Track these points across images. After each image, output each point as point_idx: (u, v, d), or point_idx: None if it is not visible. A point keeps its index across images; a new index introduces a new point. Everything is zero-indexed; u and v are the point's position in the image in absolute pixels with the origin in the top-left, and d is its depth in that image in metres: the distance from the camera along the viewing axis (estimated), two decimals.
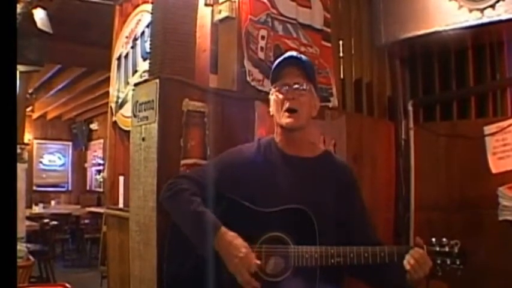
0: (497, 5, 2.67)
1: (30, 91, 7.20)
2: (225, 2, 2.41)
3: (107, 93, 3.56)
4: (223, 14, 2.43)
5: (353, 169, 1.81)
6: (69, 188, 11.26)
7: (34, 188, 10.18)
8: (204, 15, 2.44)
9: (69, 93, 8.11)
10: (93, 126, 10.89)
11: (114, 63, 3.37)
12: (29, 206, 7.70)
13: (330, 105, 2.83)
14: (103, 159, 9.79)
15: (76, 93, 8.04)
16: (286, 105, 1.63)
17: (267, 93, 1.78)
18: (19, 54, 3.81)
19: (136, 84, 2.25)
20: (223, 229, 1.51)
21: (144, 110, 2.09)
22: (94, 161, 10.85)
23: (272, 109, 1.70)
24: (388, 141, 3.38)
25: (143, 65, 2.93)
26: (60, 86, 7.63)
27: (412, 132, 3.37)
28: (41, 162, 10.82)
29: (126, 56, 3.22)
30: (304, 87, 1.64)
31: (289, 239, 1.52)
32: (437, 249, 1.50)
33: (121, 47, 3.29)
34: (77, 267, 7.10)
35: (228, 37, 2.47)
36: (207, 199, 1.62)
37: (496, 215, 2.89)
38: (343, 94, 3.14)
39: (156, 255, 1.91)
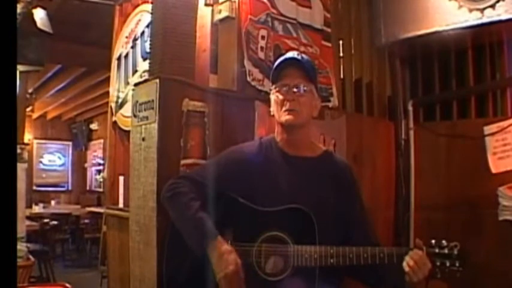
0: (497, 5, 2.67)
1: (30, 91, 7.19)
2: (225, 2, 2.41)
3: (107, 93, 3.56)
4: (223, 14, 2.43)
5: (353, 169, 1.81)
6: (69, 188, 11.26)
7: (34, 187, 10.18)
8: (204, 15, 2.44)
9: (69, 93, 8.11)
10: (93, 126, 10.89)
11: (114, 63, 3.37)
12: (29, 206, 7.70)
13: (330, 105, 2.83)
14: (103, 159, 9.79)
15: (76, 93, 8.04)
16: (287, 105, 1.63)
17: (267, 93, 1.79)
18: (19, 54, 3.81)
19: (136, 84, 2.25)
20: (219, 239, 1.49)
21: (144, 110, 2.09)
22: (94, 161, 10.85)
23: (272, 109, 1.70)
24: (388, 141, 3.39)
25: (143, 65, 2.93)
26: (60, 86, 7.63)
27: (412, 132, 3.37)
28: (41, 162, 10.82)
29: (126, 56, 3.22)
30: (305, 88, 1.64)
31: (289, 239, 1.52)
32: (437, 251, 1.50)
33: (121, 47, 3.29)
34: (77, 267, 7.09)
35: (228, 37, 2.47)
36: (207, 199, 1.62)
37: (496, 215, 2.89)
38: (343, 94, 3.14)
39: (156, 255, 1.91)
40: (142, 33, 3.03)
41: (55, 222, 6.71)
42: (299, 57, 1.68)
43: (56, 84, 7.56)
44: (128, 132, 2.58)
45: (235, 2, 2.42)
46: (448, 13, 2.86)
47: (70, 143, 11.31)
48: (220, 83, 2.47)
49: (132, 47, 3.15)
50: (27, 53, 4.09)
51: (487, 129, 3.01)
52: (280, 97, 1.65)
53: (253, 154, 1.71)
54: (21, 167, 4.12)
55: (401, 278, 1.49)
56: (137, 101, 2.15)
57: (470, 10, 2.78)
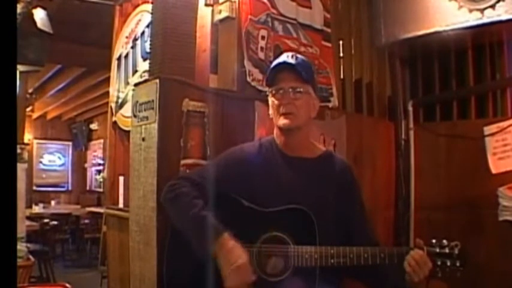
0: (497, 5, 2.67)
1: (30, 91, 7.19)
2: (225, 2, 2.41)
3: (107, 93, 3.56)
4: (223, 14, 2.43)
5: (353, 169, 1.81)
6: (69, 188, 11.25)
7: (34, 188, 10.17)
8: (204, 15, 2.44)
9: (69, 93, 8.10)
10: (93, 126, 10.89)
11: (114, 63, 3.37)
12: (29, 206, 7.69)
13: (330, 105, 2.83)
14: (103, 159, 9.79)
15: (76, 93, 8.04)
16: (282, 110, 1.63)
17: (267, 94, 1.78)
18: (19, 54, 3.81)
19: (136, 84, 2.25)
20: (226, 235, 1.49)
21: (144, 110, 2.09)
22: (94, 161, 10.84)
23: (270, 112, 1.71)
24: (388, 141, 3.39)
25: (143, 65, 2.93)
26: (60, 86, 7.63)
27: (412, 133, 3.37)
28: (41, 162, 10.82)
29: (126, 56, 3.22)
30: (300, 90, 1.63)
31: (290, 239, 1.52)
32: (438, 250, 1.50)
33: (121, 47, 3.29)
34: (77, 267, 7.09)
35: (228, 37, 2.47)
36: (208, 199, 1.62)
37: (496, 215, 2.89)
38: (343, 94, 3.14)
39: (156, 255, 1.91)
40: (143, 33, 3.03)
41: (55, 223, 6.71)
42: (292, 60, 1.66)
43: (56, 84, 7.56)
44: (128, 132, 2.58)
45: (235, 2, 2.42)
46: (448, 13, 2.86)
47: (70, 143, 11.31)
48: (220, 83, 2.47)
49: (132, 47, 3.15)
50: (27, 53, 4.09)
51: (487, 130, 3.01)
52: (276, 102, 1.65)
53: (254, 155, 1.71)
54: (21, 167, 4.11)
55: (402, 277, 1.50)
56: (137, 101, 2.15)
57: (470, 10, 2.78)
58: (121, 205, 3.10)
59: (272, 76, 1.67)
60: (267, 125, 2.28)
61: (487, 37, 3.09)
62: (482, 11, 2.73)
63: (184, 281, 1.66)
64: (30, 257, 3.61)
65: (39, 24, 3.93)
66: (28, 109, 8.20)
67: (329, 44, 2.91)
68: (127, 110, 3.01)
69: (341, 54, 3.25)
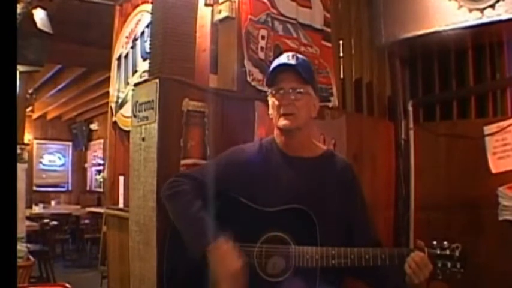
0: (497, 4, 2.67)
1: (30, 91, 7.18)
2: (225, 2, 2.41)
3: (107, 93, 3.56)
4: (223, 14, 2.42)
5: (354, 168, 1.80)
6: (69, 188, 11.25)
7: (34, 188, 10.17)
8: (204, 15, 2.44)
9: (69, 93, 8.10)
10: (93, 126, 10.89)
11: (114, 63, 3.37)
12: (29, 206, 7.70)
13: (330, 105, 2.83)
14: (103, 159, 9.79)
15: (76, 93, 8.04)
16: (282, 110, 1.63)
17: (267, 94, 1.78)
18: (19, 55, 3.81)
19: (136, 84, 2.25)
20: (222, 239, 1.48)
21: (144, 110, 2.09)
22: (94, 161, 10.84)
23: (270, 112, 1.71)
24: (388, 141, 3.39)
25: (143, 65, 2.93)
26: (60, 86, 7.63)
27: (412, 132, 3.37)
28: (41, 162, 10.82)
29: (126, 56, 3.22)
30: (300, 91, 1.63)
31: (290, 239, 1.52)
32: (438, 252, 1.50)
33: (121, 47, 3.29)
34: (77, 267, 7.10)
35: (228, 37, 2.47)
36: (208, 198, 1.62)
37: (496, 214, 2.89)
38: (343, 94, 3.14)
39: (156, 255, 1.91)
40: (143, 33, 3.03)
41: (55, 223, 6.71)
42: (292, 60, 1.65)
43: (56, 84, 7.56)
44: (128, 132, 2.58)
45: (235, 2, 2.42)
46: (448, 13, 2.86)
47: (70, 143, 11.31)
48: (220, 83, 2.47)
49: (132, 47, 3.15)
50: (27, 54, 4.09)
51: (487, 129, 3.01)
52: (276, 102, 1.65)
53: (254, 155, 1.71)
54: (21, 167, 4.12)
55: (403, 278, 1.49)
56: (137, 101, 2.15)
57: (470, 10, 2.78)
58: (121, 205, 3.10)
59: (273, 76, 1.66)
60: (267, 125, 2.28)
61: (487, 37, 3.09)
62: (482, 10, 2.73)
63: (184, 280, 1.66)
64: (30, 257, 3.61)
65: (39, 24, 3.94)
66: (28, 109, 8.19)
67: (329, 44, 2.90)
68: (127, 110, 3.01)
69: (341, 54, 3.25)
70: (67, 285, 2.42)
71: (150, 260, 1.96)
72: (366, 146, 3.10)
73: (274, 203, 1.56)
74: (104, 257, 4.18)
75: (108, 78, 3.52)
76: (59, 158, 11.19)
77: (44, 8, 3.98)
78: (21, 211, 4.26)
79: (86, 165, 11.26)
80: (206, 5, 2.45)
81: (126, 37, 3.23)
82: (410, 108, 3.40)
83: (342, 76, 3.20)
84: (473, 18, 2.77)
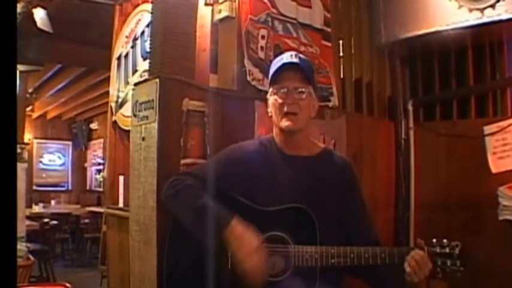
0: (497, 4, 2.67)
1: (30, 91, 7.20)
2: (225, 1, 2.41)
3: (107, 92, 3.56)
4: (223, 14, 2.43)
5: (353, 166, 1.80)
6: (69, 188, 11.25)
7: (34, 187, 10.17)
8: (204, 15, 2.44)
9: (69, 92, 8.10)
10: (93, 125, 10.88)
11: (114, 62, 3.37)
12: (29, 206, 7.69)
13: (330, 104, 2.83)
14: (103, 158, 9.78)
15: (76, 92, 8.04)
16: (286, 109, 1.62)
17: (267, 93, 1.78)
18: (19, 54, 3.81)
19: (136, 84, 2.25)
20: (235, 220, 1.49)
21: (144, 109, 2.09)
22: (94, 161, 10.84)
23: (271, 111, 1.70)
24: (388, 141, 3.39)
25: (143, 65, 2.93)
26: (60, 86, 7.62)
27: (412, 132, 3.37)
28: (41, 161, 10.81)
29: (126, 55, 3.22)
30: (303, 90, 1.63)
31: (290, 239, 1.52)
32: (438, 250, 1.50)
33: (121, 47, 3.29)
34: (77, 266, 7.09)
35: (228, 37, 2.47)
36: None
37: (496, 214, 2.89)
38: (343, 94, 3.14)
39: (156, 255, 1.91)
40: (143, 32, 3.03)
41: (55, 222, 6.69)
42: (295, 60, 1.65)
43: (56, 83, 7.55)
44: (128, 131, 2.58)
45: (235, 1, 2.42)
46: (448, 13, 2.86)
47: (70, 142, 11.30)
48: (221, 82, 2.47)
49: (132, 47, 3.15)
50: (27, 53, 4.09)
51: (487, 129, 3.01)
52: (279, 100, 1.63)
53: (253, 153, 1.71)
54: (21, 167, 4.11)
55: (402, 277, 1.50)
56: (137, 101, 2.15)
57: (470, 10, 2.78)
58: (121, 205, 3.10)
59: (276, 75, 1.65)
60: (266, 124, 2.28)
61: (487, 37, 3.09)
62: (482, 10, 2.73)
63: (184, 280, 1.66)
64: (30, 256, 3.61)
65: (39, 23, 3.94)
66: (28, 109, 8.20)
67: (329, 44, 2.90)
68: (127, 109, 3.02)
69: (341, 54, 3.25)
70: (67, 284, 2.42)
71: (150, 260, 1.97)
72: (366, 146, 3.10)
73: (273, 202, 1.56)
74: (104, 256, 4.19)
75: (108, 77, 3.52)
76: (59, 157, 11.18)
77: (44, 8, 3.98)
78: (21, 210, 4.26)
79: (86, 164, 11.25)
80: (206, 4, 2.45)
81: (126, 37, 3.24)
82: (410, 108, 3.40)
83: (342, 76, 3.20)
84: (473, 18, 2.77)
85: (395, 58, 3.49)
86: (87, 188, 11.10)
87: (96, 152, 10.79)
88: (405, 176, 3.34)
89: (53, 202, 9.27)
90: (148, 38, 2.40)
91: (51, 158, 11.03)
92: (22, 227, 4.20)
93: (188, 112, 2.10)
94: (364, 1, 3.38)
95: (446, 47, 3.26)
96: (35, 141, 10.63)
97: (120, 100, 3.23)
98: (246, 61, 2.41)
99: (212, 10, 2.49)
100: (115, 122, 3.27)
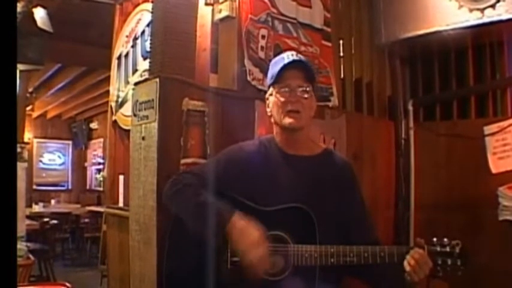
0: (498, 4, 2.67)
1: (30, 90, 7.19)
2: (225, 1, 2.42)
3: (107, 92, 3.56)
4: (224, 14, 2.43)
5: (353, 166, 1.80)
6: (69, 187, 11.25)
7: (34, 187, 10.17)
8: (204, 15, 2.44)
9: (69, 92, 8.10)
10: (93, 125, 10.88)
11: (115, 62, 3.37)
12: (29, 205, 7.69)
13: (330, 104, 2.83)
14: (103, 158, 9.78)
15: (76, 92, 8.03)
16: (289, 107, 1.62)
17: (268, 92, 1.78)
18: (19, 53, 3.81)
19: (136, 84, 2.25)
20: (237, 214, 1.51)
21: (144, 109, 2.09)
22: (94, 160, 10.84)
23: (271, 110, 1.69)
24: (388, 141, 3.39)
25: (143, 64, 2.93)
26: (60, 85, 7.63)
27: (412, 132, 3.37)
28: (41, 161, 10.82)
29: (127, 55, 3.22)
30: (306, 89, 1.63)
31: (289, 238, 1.52)
32: (438, 249, 1.50)
33: (121, 46, 3.29)
34: (77, 266, 7.09)
35: (228, 36, 2.47)
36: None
37: (496, 215, 2.89)
38: (343, 93, 3.14)
39: (156, 254, 1.92)
40: (143, 32, 3.03)
41: (55, 222, 6.70)
42: (300, 59, 1.65)
43: (56, 83, 7.56)
44: (128, 131, 2.58)
45: (235, 1, 2.42)
46: (448, 13, 2.86)
47: (70, 142, 11.31)
48: (221, 82, 2.47)
49: (133, 46, 3.15)
50: (28, 52, 4.10)
51: (487, 129, 3.01)
52: (282, 99, 1.63)
53: (253, 153, 1.71)
54: (21, 166, 4.12)
55: (402, 277, 1.49)
56: (137, 100, 2.15)
57: (471, 10, 2.78)
58: (121, 204, 3.10)
59: (279, 73, 1.65)
60: (267, 124, 2.28)
61: (487, 37, 3.09)
62: (482, 10, 2.73)
63: (184, 279, 1.66)
64: (30, 256, 3.61)
65: (39, 23, 3.94)
66: (28, 108, 8.20)
67: (329, 44, 2.91)
68: (127, 109, 3.01)
69: (341, 54, 3.25)
70: (67, 284, 2.41)
71: (150, 259, 1.97)
72: (366, 146, 3.10)
73: (273, 202, 1.56)
74: (104, 256, 4.19)
75: (108, 77, 3.52)
76: (59, 156, 11.19)
77: (44, 7, 3.98)
78: (21, 210, 4.26)
79: (86, 164, 11.25)
80: (206, 4, 2.45)
81: (127, 36, 3.23)
82: (410, 108, 3.40)
83: (342, 76, 3.20)
84: (473, 18, 2.77)
85: (396, 58, 3.49)
86: (87, 187, 11.10)
87: (96, 151, 10.79)
88: (405, 176, 3.34)
89: (53, 201, 9.27)
90: (149, 38, 2.40)
91: (51, 158, 11.03)
92: (22, 226, 4.21)
93: (188, 112, 2.10)
94: (364, 1, 3.38)
95: (446, 47, 3.26)
96: (35, 140, 10.64)
97: (120, 100, 3.23)
98: (246, 61, 2.41)
99: (212, 10, 2.49)
100: (115, 122, 3.27)
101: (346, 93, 3.19)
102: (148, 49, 2.44)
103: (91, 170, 11.02)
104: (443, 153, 3.24)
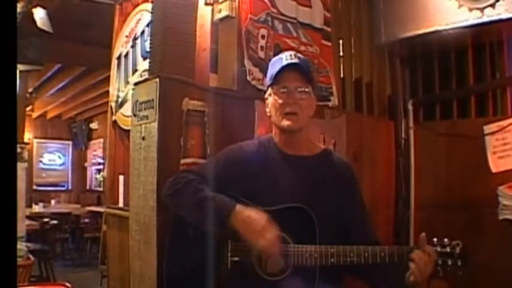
0: (497, 4, 2.67)
1: (30, 90, 7.20)
2: (225, 1, 2.41)
3: (107, 92, 3.56)
4: (223, 13, 2.43)
5: (353, 167, 1.80)
6: (69, 187, 11.26)
7: (34, 187, 10.18)
8: (204, 15, 2.44)
9: (69, 92, 8.10)
10: (93, 125, 10.89)
11: (114, 62, 3.37)
12: (29, 205, 7.70)
13: (330, 104, 2.83)
14: (103, 158, 9.79)
15: (76, 92, 8.04)
16: (287, 109, 1.62)
17: (267, 92, 1.78)
18: (19, 54, 3.81)
19: (136, 84, 2.25)
20: (239, 205, 1.52)
21: (144, 109, 2.09)
22: (94, 160, 10.85)
23: (270, 111, 1.69)
24: (388, 141, 3.39)
25: (143, 64, 2.93)
26: (60, 85, 7.63)
27: (412, 132, 3.37)
28: (41, 161, 10.82)
29: (126, 55, 3.21)
30: (304, 90, 1.63)
31: (289, 238, 1.52)
32: (439, 249, 1.50)
33: (121, 46, 3.29)
34: (77, 266, 7.10)
35: (228, 36, 2.47)
36: None
37: (496, 214, 2.89)
38: (343, 93, 3.14)
39: (156, 254, 1.91)
40: (143, 32, 3.03)
41: (55, 222, 6.70)
42: (295, 60, 1.65)
43: (56, 83, 7.56)
44: (128, 131, 2.58)
45: (235, 1, 2.42)
46: (448, 12, 2.86)
47: (70, 142, 11.31)
48: (221, 82, 2.47)
49: (132, 46, 3.15)
50: (27, 53, 4.10)
51: (487, 129, 3.01)
52: (280, 100, 1.63)
53: (253, 153, 1.71)
54: (21, 167, 4.12)
55: (402, 277, 1.50)
56: (137, 100, 2.15)
57: (470, 9, 2.78)
58: (121, 204, 3.10)
59: (277, 74, 1.65)
60: (266, 124, 2.28)
61: (487, 36, 3.09)
62: (482, 10, 2.73)
63: (184, 279, 1.66)
64: (30, 256, 3.61)
65: (39, 23, 3.94)
66: (28, 108, 8.20)
67: (329, 43, 2.90)
68: (127, 109, 3.01)
69: (341, 54, 3.25)
70: (67, 284, 2.42)
71: (150, 259, 1.97)
72: (366, 146, 3.10)
73: (273, 202, 1.56)
74: (104, 256, 4.19)
75: (108, 77, 3.51)
76: (59, 157, 11.19)
77: (44, 7, 3.98)
78: (21, 210, 4.27)
79: (86, 164, 11.26)
80: (206, 4, 2.45)
81: (126, 36, 3.23)
82: (410, 108, 3.40)
83: (342, 75, 3.20)
84: (473, 18, 2.77)
85: (395, 58, 3.49)
86: (87, 187, 11.11)
87: (96, 151, 10.80)
88: (405, 175, 3.34)
89: (53, 202, 9.28)
90: (149, 38, 2.40)
91: (51, 158, 11.04)
92: (22, 226, 4.21)
93: (188, 112, 2.10)
94: (364, 1, 3.38)
95: (446, 46, 3.26)
96: (35, 140, 10.64)
97: (120, 100, 3.22)
98: (246, 61, 2.41)
99: (212, 10, 2.49)
100: (115, 122, 3.27)
101: (346, 93, 3.19)
102: (148, 49, 2.44)
103: (91, 170, 11.02)
104: (443, 153, 3.24)
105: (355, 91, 3.26)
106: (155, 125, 2.02)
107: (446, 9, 2.87)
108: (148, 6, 2.74)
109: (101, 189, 9.64)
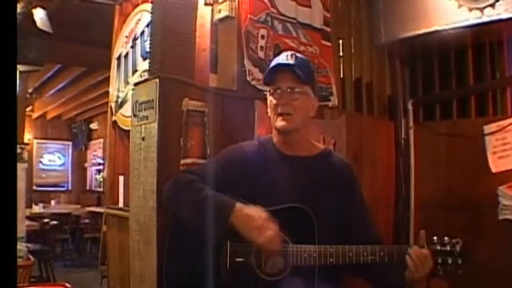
0: (497, 4, 2.67)
1: (30, 91, 7.19)
2: (224, 1, 2.41)
3: (107, 92, 3.56)
4: (223, 14, 2.43)
5: (353, 167, 1.80)
6: (69, 188, 11.25)
7: (34, 187, 10.17)
8: (204, 15, 2.44)
9: (69, 92, 8.10)
10: (93, 125, 10.89)
11: (114, 62, 3.37)
12: (29, 206, 7.69)
13: (330, 104, 2.83)
14: (103, 158, 9.78)
15: (76, 92, 8.04)
16: (279, 110, 1.63)
17: (266, 93, 1.78)
18: (19, 54, 3.81)
19: (136, 84, 2.25)
20: (238, 204, 1.53)
21: (144, 109, 2.09)
22: (94, 161, 10.84)
23: (268, 111, 1.71)
24: (388, 141, 3.39)
25: (143, 65, 2.93)
26: (60, 86, 7.63)
27: (412, 132, 3.37)
28: (40, 162, 10.82)
29: (126, 55, 3.21)
30: (297, 90, 1.63)
31: (289, 238, 1.52)
32: (439, 248, 1.50)
33: (121, 47, 3.29)
34: (77, 266, 7.10)
35: (228, 36, 2.47)
36: None
37: (496, 214, 2.89)
38: (343, 93, 3.14)
39: (156, 255, 1.91)
40: (142, 32, 3.03)
41: (55, 222, 6.70)
42: (291, 60, 1.65)
43: (56, 84, 7.56)
44: (128, 131, 2.58)
45: (235, 1, 2.42)
46: (447, 12, 2.86)
47: (70, 142, 11.31)
48: (220, 82, 2.47)
49: (132, 47, 3.15)
50: (27, 53, 4.10)
51: (487, 129, 3.01)
52: (274, 101, 1.65)
53: (252, 154, 1.72)
54: (21, 167, 4.12)
55: (402, 276, 1.50)
56: (137, 101, 2.15)
57: (470, 9, 2.78)
58: (121, 205, 3.10)
59: (270, 75, 1.66)
60: (266, 124, 2.28)
61: (486, 36, 3.09)
62: (482, 9, 2.73)
63: (184, 279, 1.66)
64: (30, 256, 3.61)
65: (39, 23, 3.94)
66: (28, 109, 8.20)
67: (329, 43, 2.90)
68: (127, 109, 3.01)
69: (341, 54, 3.25)
70: (67, 284, 2.42)
71: (150, 260, 1.97)
72: (366, 146, 3.10)
73: (272, 202, 1.56)
74: (104, 256, 4.19)
75: (108, 77, 3.51)
76: (59, 157, 11.19)
77: (43, 8, 3.98)
78: (21, 211, 4.26)
79: (86, 164, 11.26)
80: (206, 4, 2.45)
81: (126, 36, 3.23)
82: (410, 108, 3.40)
83: (341, 75, 3.20)
84: (473, 18, 2.77)
85: (395, 58, 3.48)
86: (87, 188, 11.10)
87: (96, 152, 10.80)
88: (405, 175, 3.34)
89: (53, 202, 9.28)
90: (148, 38, 2.40)
91: (51, 158, 11.03)
92: (22, 227, 4.21)
93: (188, 112, 2.10)
94: (364, 1, 3.38)
95: (446, 46, 3.26)
96: (35, 141, 10.64)
97: (120, 100, 3.22)
98: (245, 61, 2.41)
99: (212, 10, 2.49)
100: (115, 122, 3.27)
101: (345, 93, 3.19)
102: (147, 49, 2.44)
103: (91, 171, 11.02)
104: (443, 153, 3.24)
105: (355, 91, 3.26)
106: (155, 125, 2.02)
107: (446, 9, 2.87)
108: (148, 6, 2.74)
109: (101, 189, 9.63)
